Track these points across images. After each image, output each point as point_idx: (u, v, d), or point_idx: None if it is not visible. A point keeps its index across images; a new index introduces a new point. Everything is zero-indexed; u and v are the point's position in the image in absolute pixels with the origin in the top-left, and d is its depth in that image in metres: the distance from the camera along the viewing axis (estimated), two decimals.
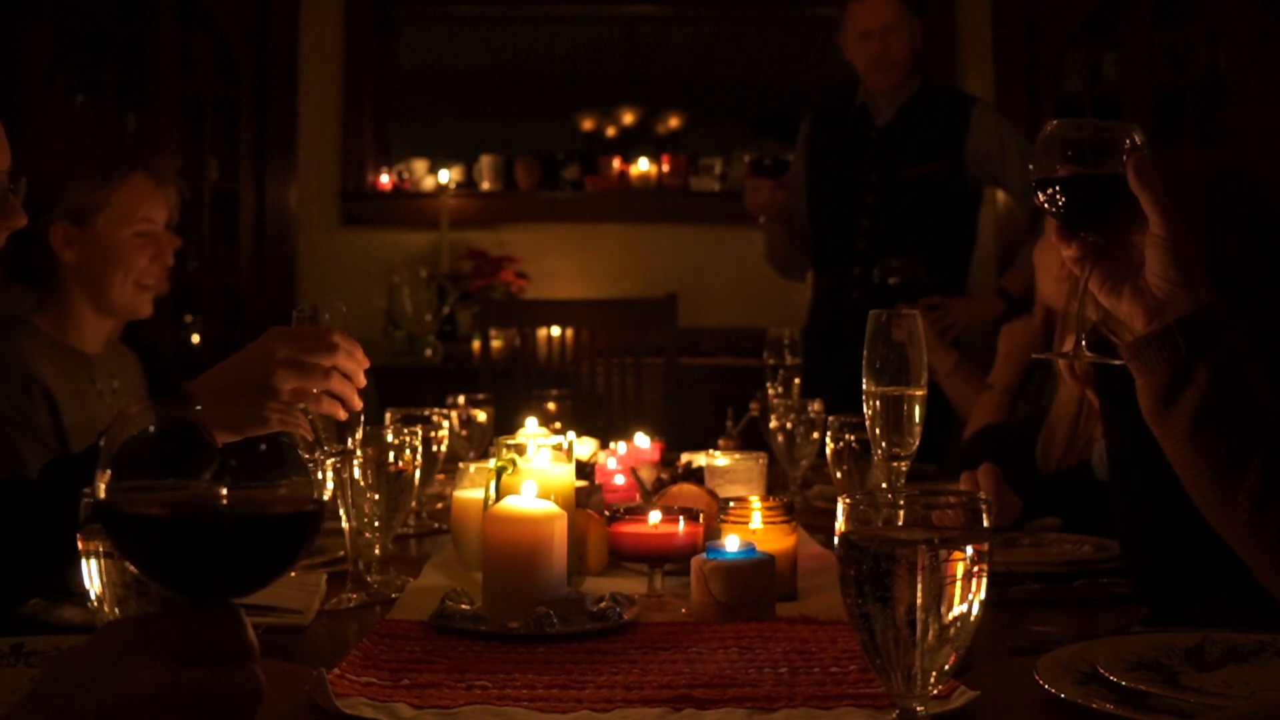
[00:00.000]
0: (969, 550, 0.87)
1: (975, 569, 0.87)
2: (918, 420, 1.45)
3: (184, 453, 0.73)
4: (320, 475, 0.74)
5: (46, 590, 1.36)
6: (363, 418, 1.52)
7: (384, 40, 5.43)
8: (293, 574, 1.52)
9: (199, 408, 0.77)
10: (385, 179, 5.32)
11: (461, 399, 2.67)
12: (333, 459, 1.49)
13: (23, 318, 2.30)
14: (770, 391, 2.74)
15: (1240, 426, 1.17)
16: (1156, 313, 1.19)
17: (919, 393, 1.45)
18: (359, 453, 1.57)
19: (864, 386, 1.45)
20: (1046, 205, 1.25)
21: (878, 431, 1.45)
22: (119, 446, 0.72)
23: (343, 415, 1.48)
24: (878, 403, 1.45)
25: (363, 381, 1.51)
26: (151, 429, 0.73)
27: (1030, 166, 1.25)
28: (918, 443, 1.47)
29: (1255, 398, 1.19)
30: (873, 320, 1.44)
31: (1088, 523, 1.85)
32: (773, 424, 2.46)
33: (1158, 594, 1.45)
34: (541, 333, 4.23)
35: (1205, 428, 1.17)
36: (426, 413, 2.08)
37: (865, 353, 1.44)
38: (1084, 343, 1.30)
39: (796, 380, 2.77)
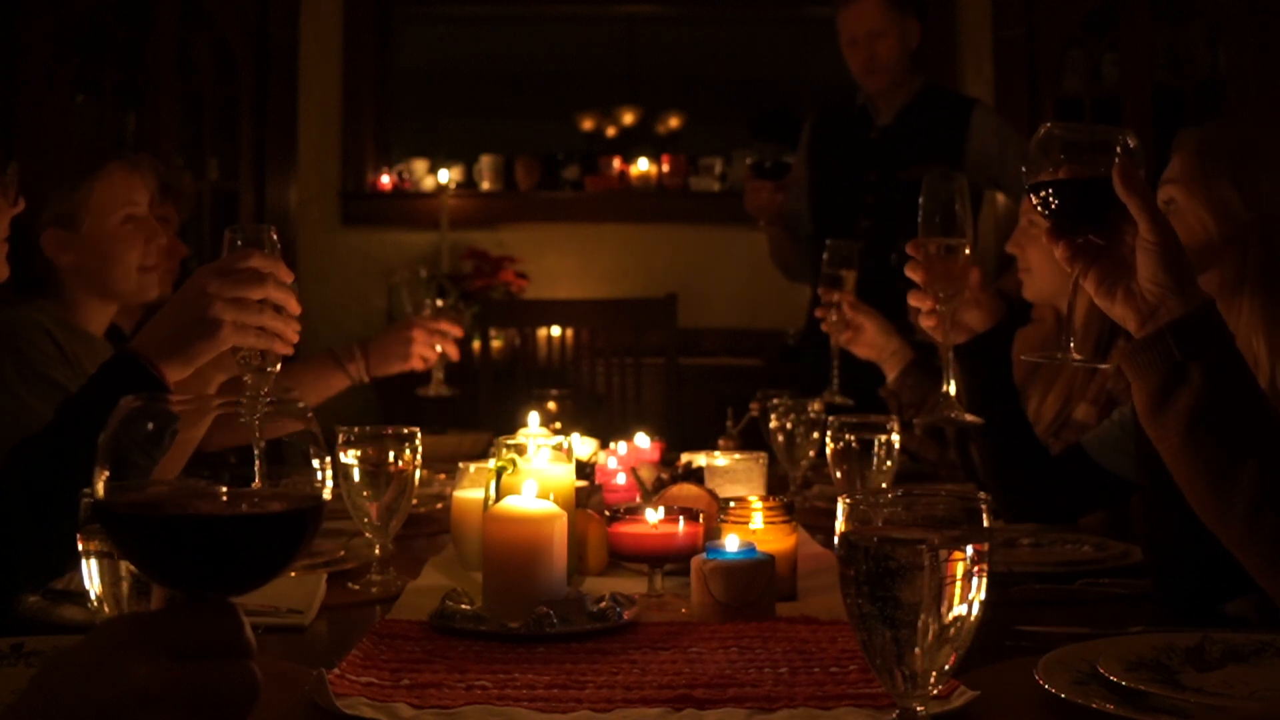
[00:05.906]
0: (969, 550, 0.87)
1: (975, 569, 0.87)
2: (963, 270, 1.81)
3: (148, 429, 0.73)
4: (320, 474, 0.74)
5: (39, 574, 1.37)
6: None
7: (384, 40, 5.43)
8: (293, 574, 1.52)
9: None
10: (385, 179, 5.32)
11: None
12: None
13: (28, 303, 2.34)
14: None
15: (1235, 428, 1.18)
16: (1148, 316, 1.21)
17: (966, 247, 1.81)
18: (355, 453, 1.57)
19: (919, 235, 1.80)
20: (1039, 207, 1.28)
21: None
22: (110, 440, 0.72)
23: (285, 350, 1.52)
24: (931, 248, 1.80)
25: (296, 309, 1.53)
26: (143, 419, 0.73)
27: (1024, 169, 1.29)
28: (961, 295, 1.85)
29: (1250, 399, 1.19)
30: (928, 182, 1.80)
31: (1084, 503, 1.92)
32: (773, 424, 2.45)
33: (1181, 601, 1.44)
34: (541, 333, 4.23)
35: (1199, 430, 1.18)
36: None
37: (921, 214, 1.79)
38: (1072, 346, 1.33)
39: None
